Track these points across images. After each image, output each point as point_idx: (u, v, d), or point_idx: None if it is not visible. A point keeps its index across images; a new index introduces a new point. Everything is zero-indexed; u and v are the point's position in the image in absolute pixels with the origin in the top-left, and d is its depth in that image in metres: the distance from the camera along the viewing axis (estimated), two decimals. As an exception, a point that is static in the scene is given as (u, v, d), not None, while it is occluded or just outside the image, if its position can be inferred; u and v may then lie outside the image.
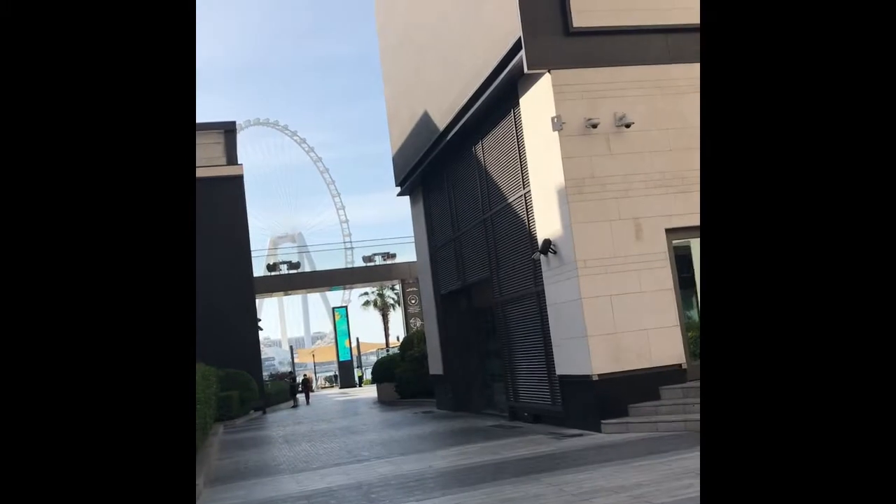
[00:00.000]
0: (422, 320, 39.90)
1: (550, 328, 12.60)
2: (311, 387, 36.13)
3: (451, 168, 17.39)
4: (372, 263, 40.31)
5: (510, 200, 14.15)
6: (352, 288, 52.67)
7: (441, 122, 16.40)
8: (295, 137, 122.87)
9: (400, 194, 20.92)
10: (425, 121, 17.66)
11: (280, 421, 23.89)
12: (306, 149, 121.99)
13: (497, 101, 13.72)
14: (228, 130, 32.66)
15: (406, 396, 23.96)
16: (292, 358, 58.73)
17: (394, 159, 20.97)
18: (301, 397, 34.77)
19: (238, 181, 32.06)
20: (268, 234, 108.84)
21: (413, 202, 20.82)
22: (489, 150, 15.06)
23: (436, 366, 19.68)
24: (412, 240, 21.56)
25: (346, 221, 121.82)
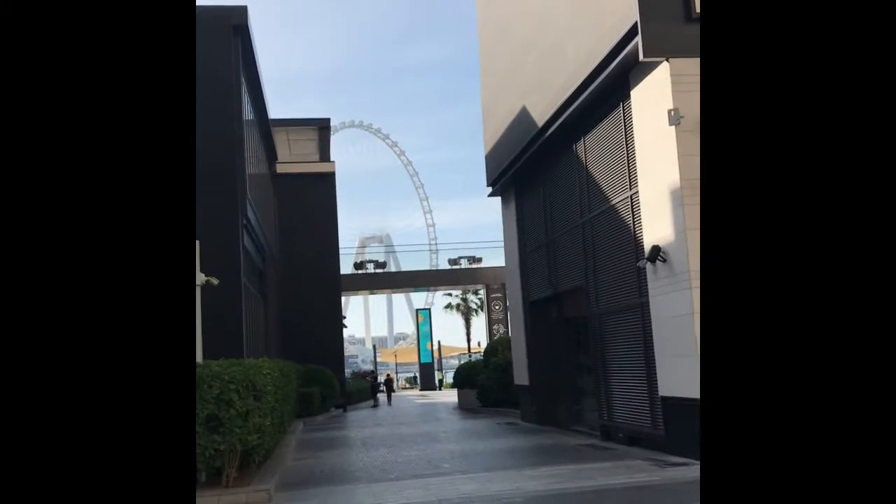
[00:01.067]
0: (505, 327, 40.34)
1: (654, 344, 11.39)
2: (394, 387, 35.82)
3: (547, 167, 16.39)
4: (457, 266, 39.92)
5: (613, 202, 12.99)
6: (436, 290, 52.77)
7: (540, 117, 15.38)
8: (387, 141, 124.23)
9: (491, 195, 20.05)
10: (522, 117, 16.70)
11: (360, 421, 23.49)
12: (397, 152, 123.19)
13: (605, 93, 12.60)
14: (322, 127, 32.89)
15: (487, 404, 23.27)
16: (375, 357, 59.04)
17: (486, 158, 20.09)
18: (382, 397, 34.62)
19: (330, 178, 32.21)
20: (356, 234, 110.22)
21: (504, 203, 19.90)
22: (592, 148, 13.94)
23: (521, 375, 18.72)
24: (500, 244, 20.75)
25: (433, 225, 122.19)
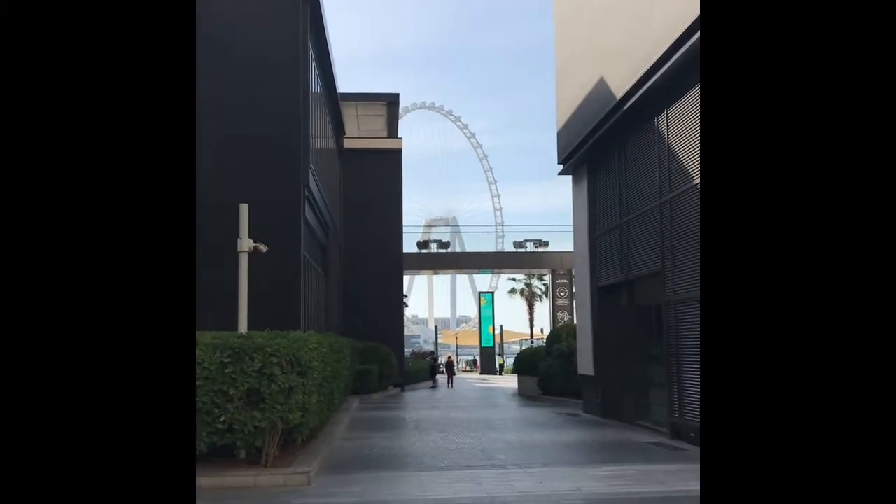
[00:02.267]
0: (570, 314, 39.67)
1: (739, 337, 10.14)
2: (454, 370, 35.66)
3: (624, 143, 15.26)
4: (523, 250, 39.08)
5: (698, 181, 11.75)
6: (500, 273, 52.45)
7: (618, 88, 14.20)
8: (458, 123, 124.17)
9: (562, 173, 19.01)
10: (599, 90, 15.52)
11: (416, 402, 23.09)
12: (468, 134, 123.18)
13: (694, 60, 11.33)
14: (391, 103, 32.27)
15: (548, 393, 22.70)
16: (436, 338, 59.05)
17: (558, 135, 19.02)
18: (441, 378, 34.24)
19: (396, 155, 31.75)
20: (422, 216, 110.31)
21: (576, 182, 18.83)
22: (675, 121, 12.70)
23: (585, 365, 17.79)
24: (569, 228, 19.85)
25: (500, 209, 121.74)
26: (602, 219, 16.98)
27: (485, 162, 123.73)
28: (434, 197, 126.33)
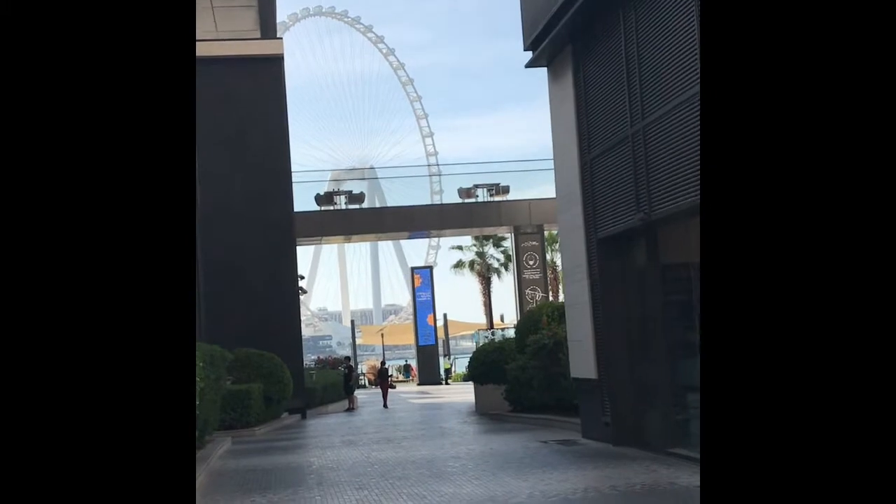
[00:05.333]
0: (544, 292, 39.34)
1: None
2: (390, 381, 36.47)
3: (632, 7, 13.76)
4: (472, 200, 38.13)
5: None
6: (440, 237, 51.98)
7: None
8: (369, 35, 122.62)
9: (532, 63, 17.46)
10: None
11: (324, 435, 22.07)
12: (384, 51, 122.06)
13: None
14: (264, -14, 31.08)
15: (523, 408, 22.30)
16: (353, 337, 59.20)
17: (523, 4, 17.61)
18: (366, 396, 33.63)
19: (275, 65, 30.86)
20: (327, 167, 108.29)
21: (554, 76, 17.29)
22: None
23: (582, 364, 16.56)
24: (538, 166, 18.74)
25: (435, 154, 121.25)
26: (601, 129, 15.47)
27: (410, 89, 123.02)
28: (341, 142, 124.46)
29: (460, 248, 53.19)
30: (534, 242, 38.01)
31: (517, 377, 22.05)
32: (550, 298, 38.46)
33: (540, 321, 22.20)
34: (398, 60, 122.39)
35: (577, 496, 10.66)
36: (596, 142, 15.57)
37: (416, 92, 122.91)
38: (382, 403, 32.09)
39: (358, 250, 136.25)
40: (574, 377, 17.13)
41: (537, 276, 38.10)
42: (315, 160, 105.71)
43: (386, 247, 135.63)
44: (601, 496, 10.57)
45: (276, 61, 30.43)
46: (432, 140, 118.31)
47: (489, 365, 24.91)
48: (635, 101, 13.86)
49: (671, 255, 14.27)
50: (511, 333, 32.07)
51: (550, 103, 17.53)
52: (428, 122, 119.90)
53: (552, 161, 17.88)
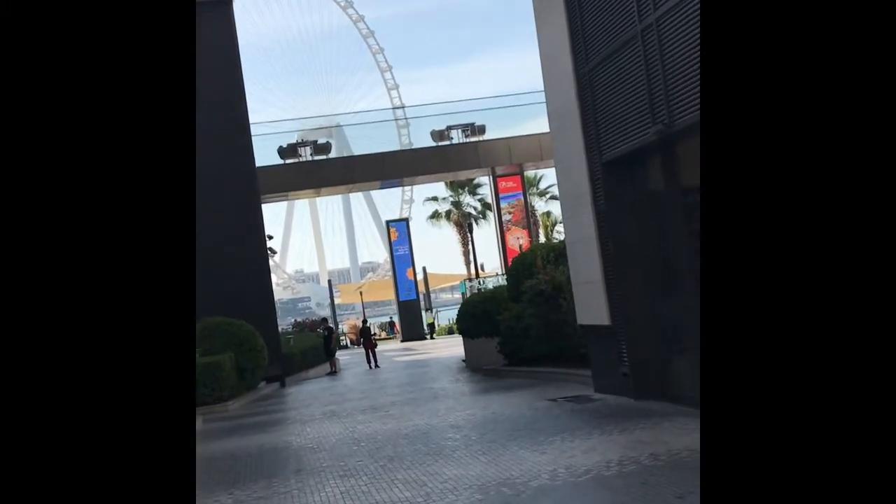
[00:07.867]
0: (527, 234, 37.86)
1: None
2: (374, 341, 34.64)
3: None
4: (446, 142, 36.79)
5: None
6: (412, 184, 51.02)
7: None
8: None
9: None
10: None
11: (303, 406, 20.90)
12: (342, 3, 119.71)
13: None
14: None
15: (519, 361, 21.14)
16: (331, 297, 58.23)
17: None
18: (348, 357, 32.45)
19: (224, 8, 29.21)
20: (294, 129, 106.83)
21: None
22: None
23: (590, 308, 15.14)
24: (519, 102, 16.99)
25: (402, 107, 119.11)
26: (600, 31, 13.58)
27: (371, 41, 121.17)
28: (305, 101, 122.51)
29: (435, 198, 53.11)
30: (512, 184, 37.13)
31: (512, 328, 21.25)
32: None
33: (534, 265, 20.90)
34: (357, 13, 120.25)
35: (612, 472, 8.72)
36: (595, 48, 13.65)
37: (377, 44, 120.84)
38: (367, 365, 30.82)
39: (330, 207, 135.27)
40: (581, 324, 15.83)
41: (520, 219, 37.25)
42: (279, 119, 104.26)
43: (359, 204, 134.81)
44: (643, 470, 8.58)
45: (225, 5, 29.02)
46: (398, 93, 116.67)
47: (479, 316, 24.08)
48: (645, -10, 11.84)
49: (695, 175, 12.11)
50: (498, 282, 30.62)
51: (535, 12, 15.68)
52: (392, 74, 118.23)
53: (530, 97, 16.34)
